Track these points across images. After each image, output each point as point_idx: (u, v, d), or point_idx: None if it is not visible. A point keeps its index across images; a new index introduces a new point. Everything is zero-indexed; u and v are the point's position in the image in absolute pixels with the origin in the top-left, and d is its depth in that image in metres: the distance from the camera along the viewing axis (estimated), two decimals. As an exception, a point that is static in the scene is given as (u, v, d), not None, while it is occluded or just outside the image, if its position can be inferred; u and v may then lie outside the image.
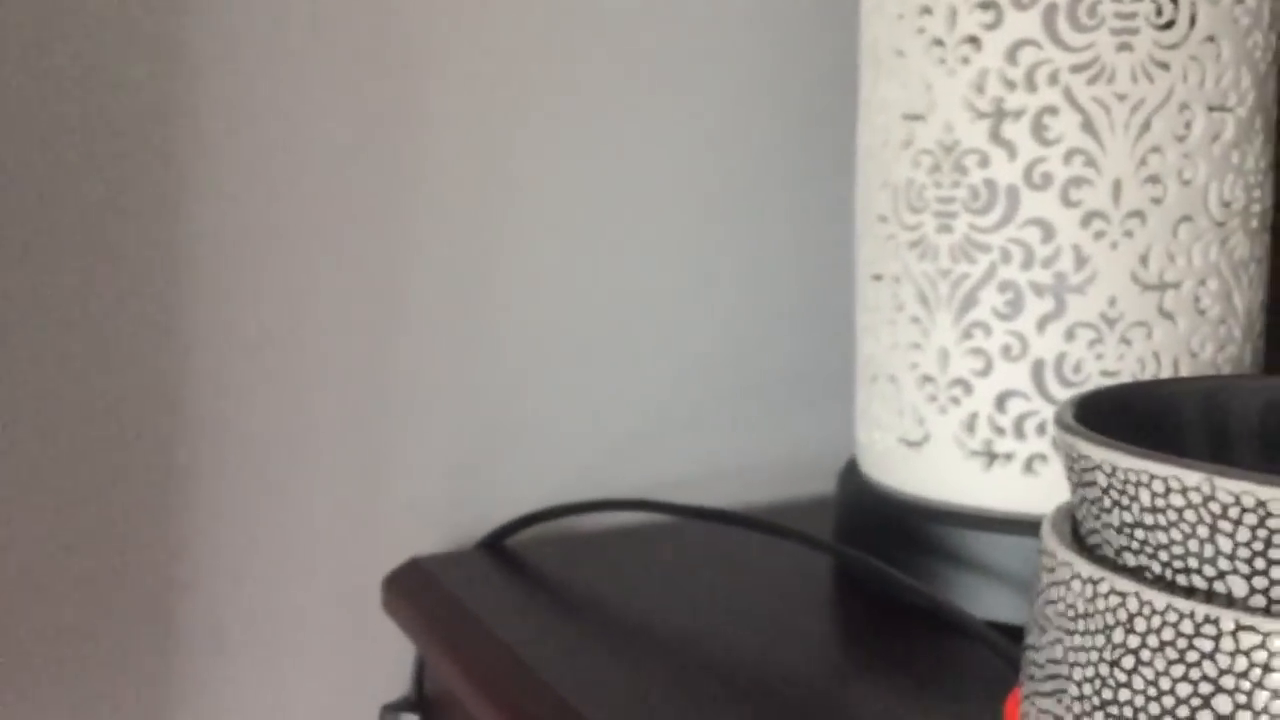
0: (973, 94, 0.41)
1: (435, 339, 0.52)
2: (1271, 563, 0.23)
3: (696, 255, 0.56)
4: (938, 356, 0.42)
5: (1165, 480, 0.23)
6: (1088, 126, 0.40)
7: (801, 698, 0.37)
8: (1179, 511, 0.23)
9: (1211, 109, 0.40)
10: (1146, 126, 0.40)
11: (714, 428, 0.58)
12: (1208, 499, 0.23)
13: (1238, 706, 0.22)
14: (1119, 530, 0.25)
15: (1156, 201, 0.40)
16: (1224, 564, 0.23)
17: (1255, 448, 0.30)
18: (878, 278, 0.45)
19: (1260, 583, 0.23)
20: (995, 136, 0.41)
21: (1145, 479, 0.24)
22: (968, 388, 0.42)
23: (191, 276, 0.48)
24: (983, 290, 0.41)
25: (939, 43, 0.42)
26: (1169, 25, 0.39)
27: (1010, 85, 0.40)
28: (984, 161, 0.41)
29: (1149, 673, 0.24)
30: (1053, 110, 0.40)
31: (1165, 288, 0.40)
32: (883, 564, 0.41)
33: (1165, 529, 0.24)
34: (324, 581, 0.51)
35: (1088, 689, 0.25)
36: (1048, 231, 0.40)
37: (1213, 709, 0.22)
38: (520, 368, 0.54)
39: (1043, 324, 0.41)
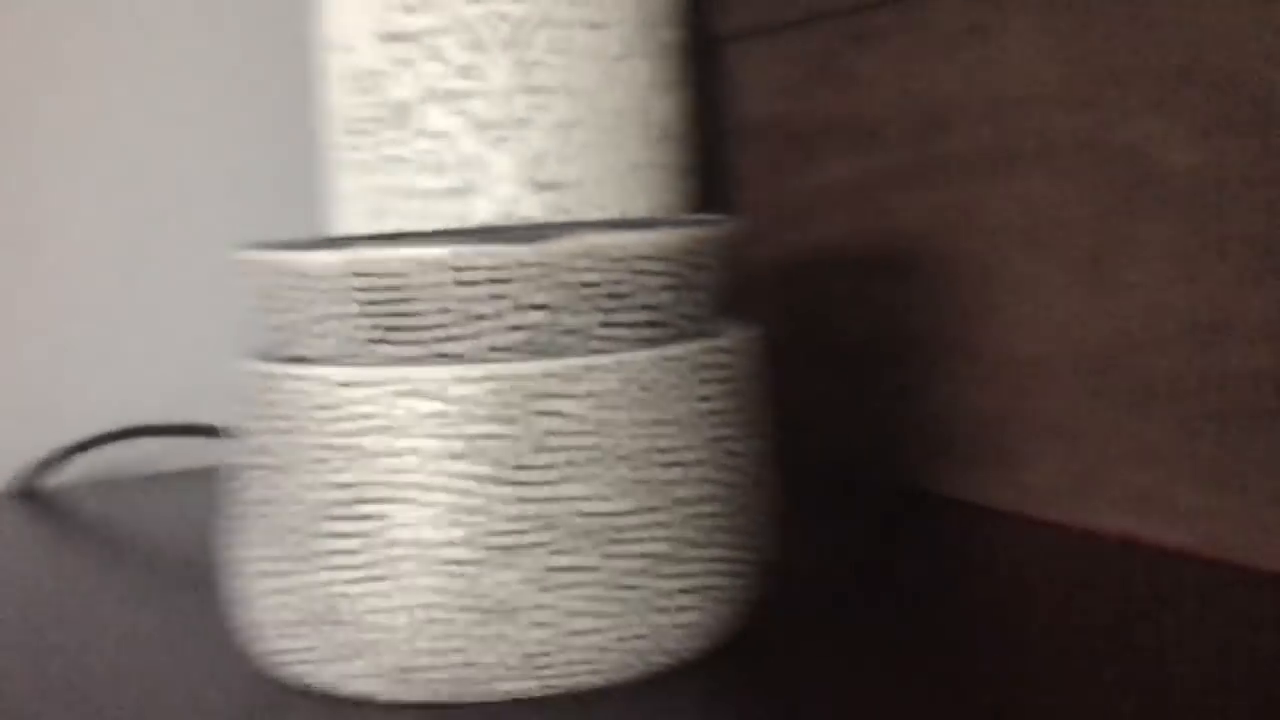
0: (375, 20, 0.45)
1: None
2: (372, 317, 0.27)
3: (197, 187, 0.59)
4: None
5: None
6: (474, 44, 0.44)
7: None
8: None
9: (589, 26, 0.45)
10: (527, 43, 0.44)
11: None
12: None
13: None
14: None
15: (541, 109, 0.45)
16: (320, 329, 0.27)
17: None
18: (341, 197, 0.48)
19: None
20: (395, 57, 0.45)
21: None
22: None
23: None
24: (399, 200, 0.45)
25: (349, -25, 0.46)
26: (538, -50, 0.44)
27: (406, 9, 0.44)
28: (390, 80, 0.45)
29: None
30: (441, 30, 0.44)
31: (560, 187, 0.45)
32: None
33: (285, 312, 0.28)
34: None
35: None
36: (448, 140, 0.45)
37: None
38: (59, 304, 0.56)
39: (451, 225, 0.45)
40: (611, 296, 0.27)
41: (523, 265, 0.26)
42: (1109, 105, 0.37)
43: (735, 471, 0.29)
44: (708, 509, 0.28)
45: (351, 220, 0.47)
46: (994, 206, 0.42)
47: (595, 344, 0.27)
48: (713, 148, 0.54)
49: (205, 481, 0.54)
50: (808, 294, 0.50)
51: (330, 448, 0.27)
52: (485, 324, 0.26)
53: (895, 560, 0.38)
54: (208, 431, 0.55)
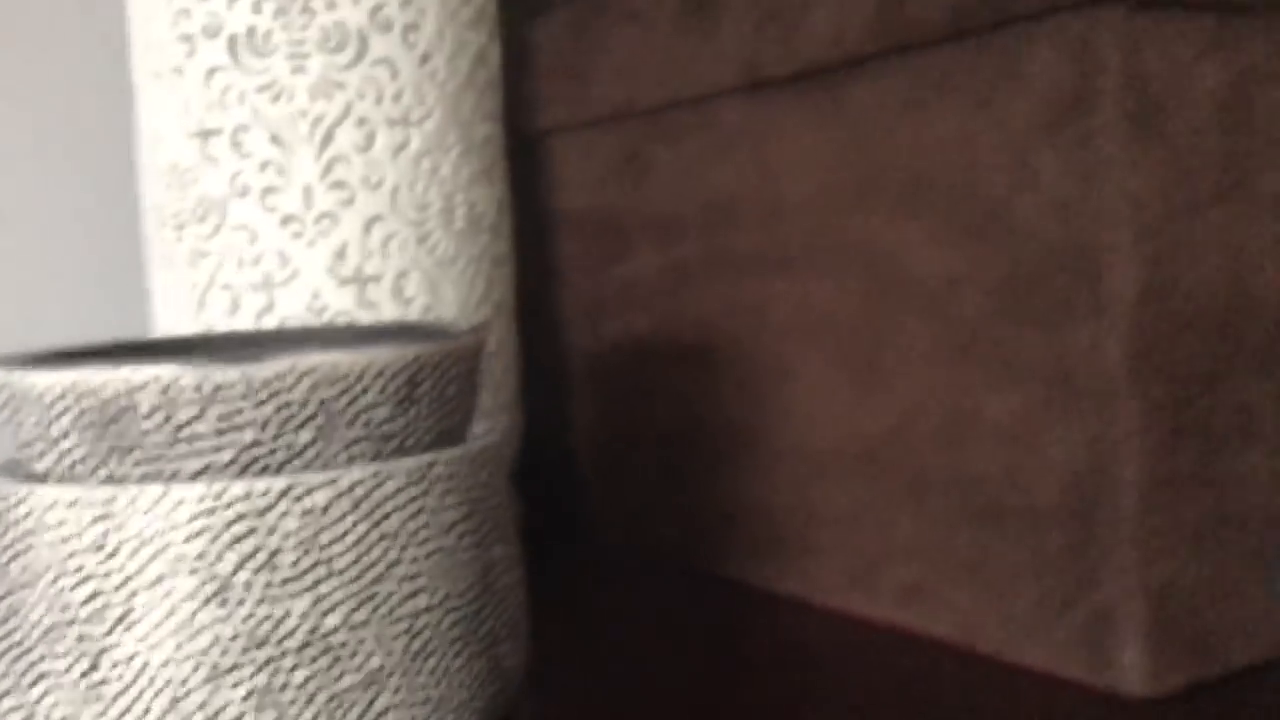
0: (182, 116, 0.45)
1: None
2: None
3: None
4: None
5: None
6: (276, 140, 0.45)
7: None
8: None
9: (393, 123, 0.46)
10: (330, 139, 0.45)
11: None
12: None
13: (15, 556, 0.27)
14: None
15: (346, 204, 0.45)
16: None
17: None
18: (159, 291, 0.49)
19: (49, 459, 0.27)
20: (203, 153, 0.45)
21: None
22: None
23: None
24: (209, 293, 0.46)
25: (156, 75, 0.46)
26: (341, 49, 0.45)
27: (209, 106, 0.45)
28: (197, 177, 0.45)
29: None
30: (245, 128, 0.45)
31: (365, 280, 0.46)
32: None
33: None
34: None
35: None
36: (253, 235, 0.45)
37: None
38: None
39: (259, 319, 0.45)
40: (326, 415, 0.27)
41: (231, 387, 0.26)
42: (867, 211, 0.39)
43: (464, 581, 0.29)
44: (432, 620, 0.28)
45: (169, 314, 0.48)
46: (778, 304, 0.43)
47: (310, 462, 0.27)
48: (533, 239, 0.55)
49: None
50: (621, 384, 0.51)
51: (54, 568, 0.27)
52: (200, 444, 0.27)
53: (677, 647, 0.38)
54: None
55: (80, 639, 0.27)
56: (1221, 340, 0.33)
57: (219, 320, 0.46)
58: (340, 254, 0.45)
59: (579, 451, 0.54)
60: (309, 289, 0.45)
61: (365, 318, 0.46)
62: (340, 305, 0.45)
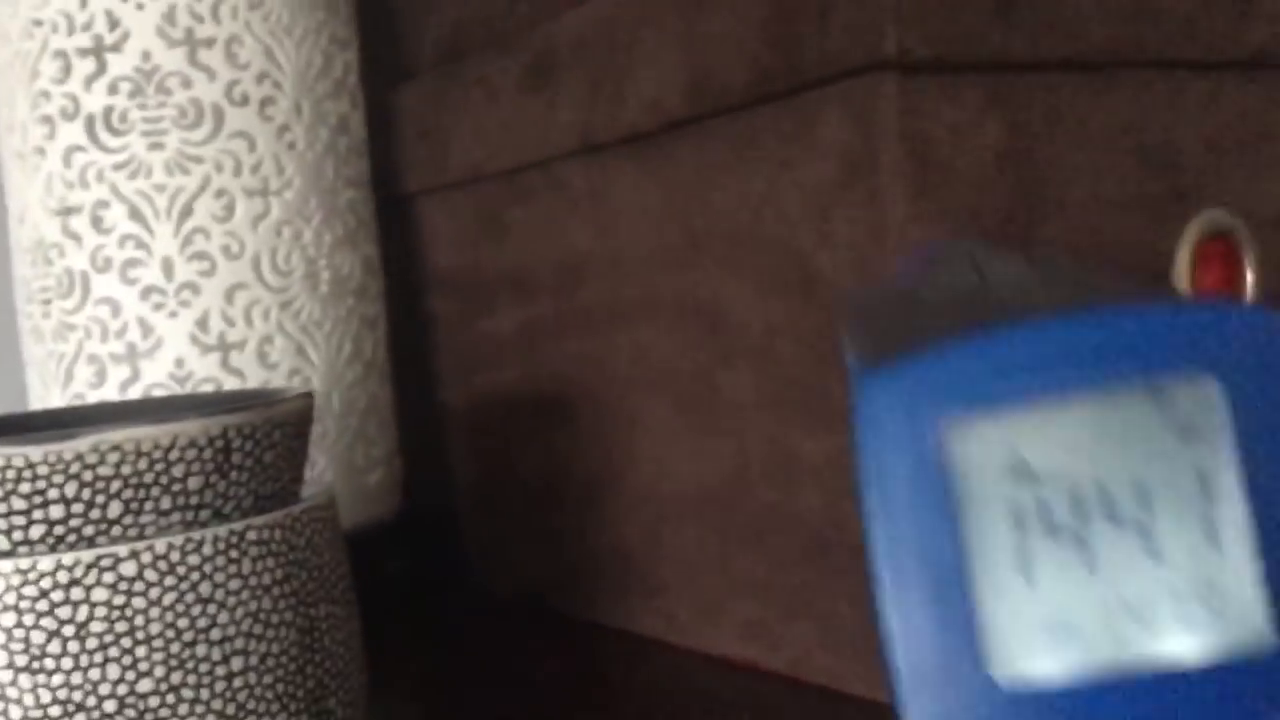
0: (45, 195, 0.47)
1: None
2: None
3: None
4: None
5: None
6: (135, 215, 0.46)
7: None
8: None
9: (251, 193, 0.47)
10: (189, 211, 0.46)
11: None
12: None
13: None
14: None
15: (207, 274, 0.47)
16: None
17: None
18: (30, 363, 0.50)
19: None
20: (66, 230, 0.47)
21: None
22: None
23: None
24: (76, 365, 0.47)
25: (20, 155, 0.48)
26: (197, 125, 0.47)
27: (69, 184, 0.46)
28: (61, 252, 0.47)
29: None
30: (105, 204, 0.46)
31: (229, 347, 0.47)
32: None
33: None
34: None
35: None
36: (115, 308, 0.46)
37: None
38: None
39: (124, 388, 0.46)
40: (133, 487, 0.28)
41: (39, 464, 0.28)
42: (696, 266, 0.41)
43: (283, 640, 0.30)
44: (250, 680, 0.30)
45: (40, 386, 0.49)
46: (620, 356, 0.44)
47: (121, 532, 0.29)
48: (406, 298, 0.56)
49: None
50: (492, 436, 0.52)
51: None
52: (13, 520, 0.28)
53: (527, 686, 0.40)
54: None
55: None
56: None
57: (86, 391, 0.47)
58: (202, 323, 0.47)
59: (456, 501, 0.55)
60: (172, 358, 0.46)
61: (230, 384, 0.47)
62: (205, 373, 0.47)
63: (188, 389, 0.46)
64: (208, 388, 0.47)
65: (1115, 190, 0.36)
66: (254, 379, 0.47)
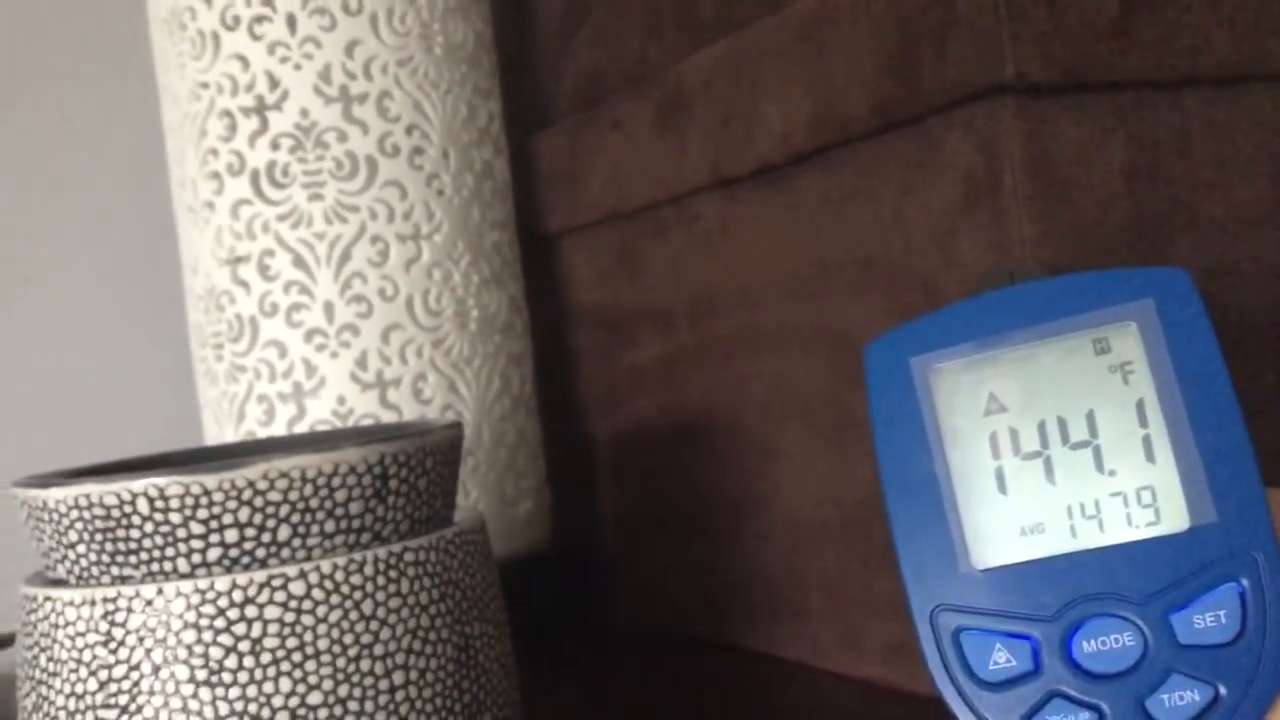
0: (215, 246, 0.50)
1: None
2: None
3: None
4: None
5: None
6: (299, 262, 0.49)
7: None
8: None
9: (404, 238, 0.50)
10: (347, 257, 0.49)
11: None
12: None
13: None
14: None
15: (364, 316, 0.49)
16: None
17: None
18: (204, 404, 0.53)
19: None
20: (235, 278, 0.50)
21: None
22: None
23: None
24: (246, 405, 0.50)
25: (191, 209, 0.51)
26: (353, 176, 0.49)
27: (237, 235, 0.50)
28: (231, 299, 0.50)
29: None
30: (270, 253, 0.49)
31: (386, 385, 0.50)
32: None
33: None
34: None
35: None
36: (282, 350, 0.49)
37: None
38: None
39: (291, 425, 0.49)
40: (300, 511, 0.31)
41: (209, 491, 0.30)
42: (825, 293, 0.42)
43: (440, 656, 0.32)
44: (410, 694, 0.32)
45: (215, 425, 0.52)
46: (756, 384, 0.46)
47: (289, 554, 0.31)
48: (550, 334, 0.58)
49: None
50: (634, 466, 0.54)
51: (73, 661, 0.31)
52: (190, 544, 0.30)
53: (681, 714, 0.41)
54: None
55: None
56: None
57: (256, 429, 0.50)
58: (361, 362, 0.49)
59: (602, 530, 0.57)
60: (335, 396, 0.49)
61: (388, 419, 0.49)
62: (364, 409, 0.49)
63: (349, 425, 0.49)
64: (367, 423, 0.49)
65: (1248, 206, 0.36)
66: (409, 414, 0.50)
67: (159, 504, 0.30)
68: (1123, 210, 0.35)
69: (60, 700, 0.31)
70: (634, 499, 0.54)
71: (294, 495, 0.31)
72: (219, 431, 0.52)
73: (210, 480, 0.30)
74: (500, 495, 0.52)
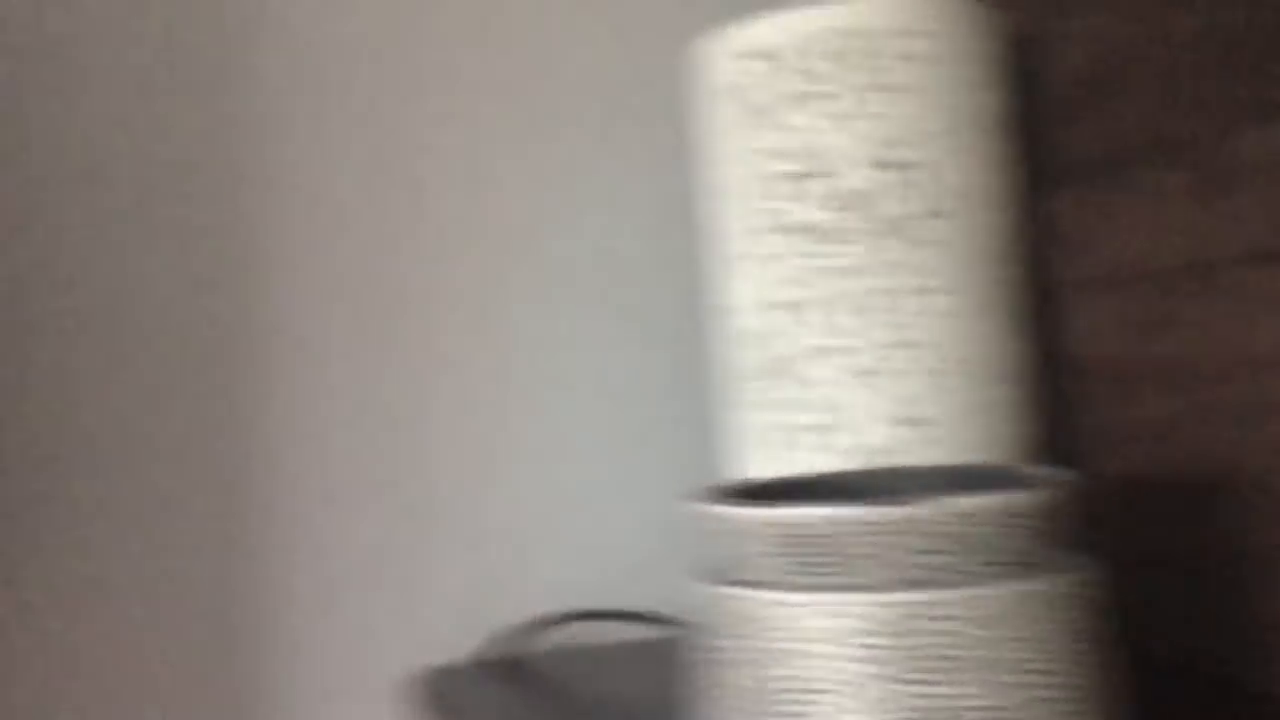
0: (758, 291, 0.56)
1: (459, 469, 0.68)
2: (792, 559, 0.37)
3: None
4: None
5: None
6: (831, 309, 0.55)
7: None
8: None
9: (924, 292, 0.55)
10: (874, 307, 0.55)
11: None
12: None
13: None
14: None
15: (890, 361, 0.55)
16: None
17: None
18: (737, 432, 0.60)
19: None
20: (772, 321, 0.56)
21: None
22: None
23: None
24: (788, 435, 0.56)
25: (739, 258, 0.58)
26: (885, 236, 0.55)
27: (779, 283, 0.56)
28: (769, 340, 0.56)
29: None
30: (807, 301, 0.55)
31: (916, 424, 0.55)
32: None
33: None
34: (352, 677, 0.66)
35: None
36: (817, 387, 0.55)
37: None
38: (528, 494, 0.69)
39: (833, 457, 0.55)
40: (978, 542, 0.36)
41: (907, 522, 0.36)
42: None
43: (1077, 678, 0.37)
44: (1055, 710, 0.36)
45: (742, 451, 0.58)
46: (1269, 446, 0.48)
47: (963, 578, 0.36)
48: (1045, 382, 0.62)
49: (638, 655, 0.65)
50: (1137, 513, 0.57)
51: (761, 650, 0.37)
52: (877, 561, 0.36)
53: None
54: (645, 618, 0.67)
55: (785, 703, 0.36)
56: None
57: (792, 458, 0.56)
58: (891, 402, 0.55)
59: (1109, 571, 0.60)
60: (862, 431, 0.55)
61: (920, 458, 0.55)
62: (885, 445, 0.55)
63: (888, 461, 0.55)
64: (903, 460, 0.54)
65: None
66: (941, 454, 0.55)
67: (841, 529, 0.36)
68: None
69: (744, 682, 0.37)
70: (1138, 543, 0.57)
71: (966, 529, 0.36)
72: (760, 459, 0.58)
73: (910, 513, 0.36)
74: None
